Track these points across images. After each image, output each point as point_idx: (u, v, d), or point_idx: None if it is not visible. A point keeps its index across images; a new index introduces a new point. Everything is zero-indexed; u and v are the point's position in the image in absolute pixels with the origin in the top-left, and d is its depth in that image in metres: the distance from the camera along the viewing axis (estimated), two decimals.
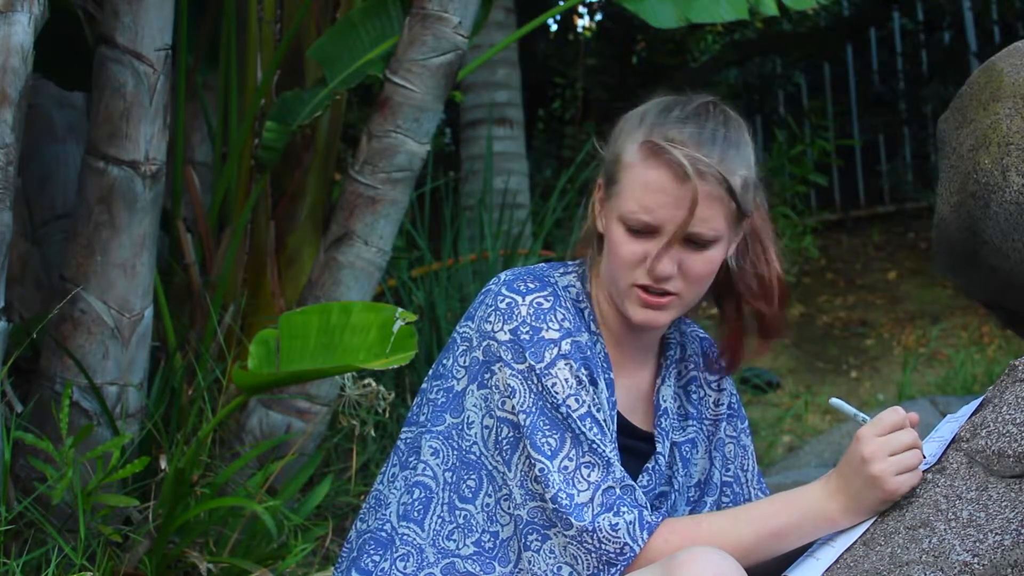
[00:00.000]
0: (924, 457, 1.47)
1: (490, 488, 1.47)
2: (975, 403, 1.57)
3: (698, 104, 1.51)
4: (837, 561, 1.47)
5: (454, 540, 1.48)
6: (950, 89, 7.06)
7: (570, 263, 1.60)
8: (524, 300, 1.49)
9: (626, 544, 1.40)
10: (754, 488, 1.70)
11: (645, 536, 1.40)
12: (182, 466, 2.36)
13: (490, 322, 1.49)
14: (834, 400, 1.56)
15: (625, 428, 1.56)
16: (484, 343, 1.49)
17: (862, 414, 1.51)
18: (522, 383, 1.46)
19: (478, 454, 1.48)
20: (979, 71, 2.17)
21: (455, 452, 1.50)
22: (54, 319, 2.48)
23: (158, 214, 2.59)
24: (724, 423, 1.67)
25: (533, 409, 1.45)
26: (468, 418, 1.49)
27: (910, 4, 8.27)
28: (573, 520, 1.41)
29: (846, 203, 8.06)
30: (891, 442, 1.41)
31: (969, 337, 5.87)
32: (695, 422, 1.65)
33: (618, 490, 1.42)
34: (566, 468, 1.43)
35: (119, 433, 2.43)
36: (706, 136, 1.47)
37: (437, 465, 1.50)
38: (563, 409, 1.44)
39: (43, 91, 3.08)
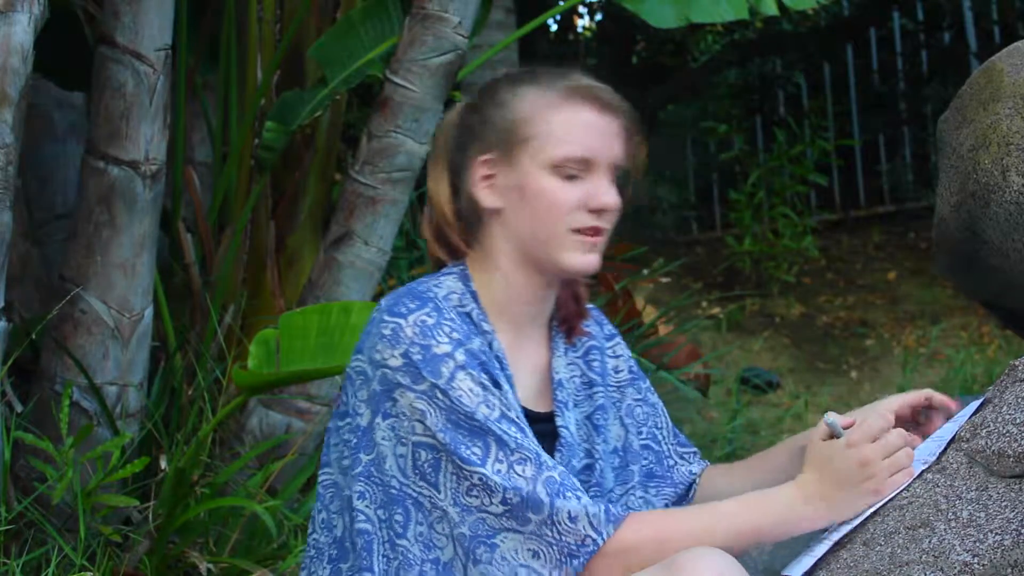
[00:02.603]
0: (915, 455, 1.47)
1: (419, 516, 1.44)
2: (975, 403, 1.57)
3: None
4: (837, 561, 1.47)
5: None
6: (950, 89, 7.06)
7: (445, 270, 1.57)
8: (407, 321, 1.45)
9: (588, 536, 1.38)
10: (672, 445, 1.70)
11: (611, 529, 1.38)
12: (182, 466, 2.36)
13: (379, 351, 1.45)
14: (830, 418, 1.53)
15: (529, 416, 1.53)
16: (378, 373, 1.45)
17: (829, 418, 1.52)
18: (428, 403, 1.42)
19: (398, 486, 1.44)
20: (979, 71, 2.17)
21: (379, 489, 1.46)
22: (54, 319, 2.48)
23: (158, 214, 2.59)
24: (628, 388, 1.68)
25: (448, 426, 1.42)
26: (381, 452, 1.45)
27: (910, 4, 8.26)
28: (532, 511, 1.38)
29: (846, 203, 8.05)
30: (886, 446, 1.42)
31: (969, 337, 5.87)
32: (601, 388, 1.64)
33: (557, 477, 1.41)
34: (500, 471, 1.40)
35: (119, 433, 2.43)
36: (608, 89, 1.57)
37: (367, 507, 1.46)
38: (478, 417, 1.42)
39: (43, 91, 3.08)
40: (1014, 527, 1.38)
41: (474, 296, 1.53)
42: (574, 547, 1.38)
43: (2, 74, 2.13)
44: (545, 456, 1.43)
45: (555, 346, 1.61)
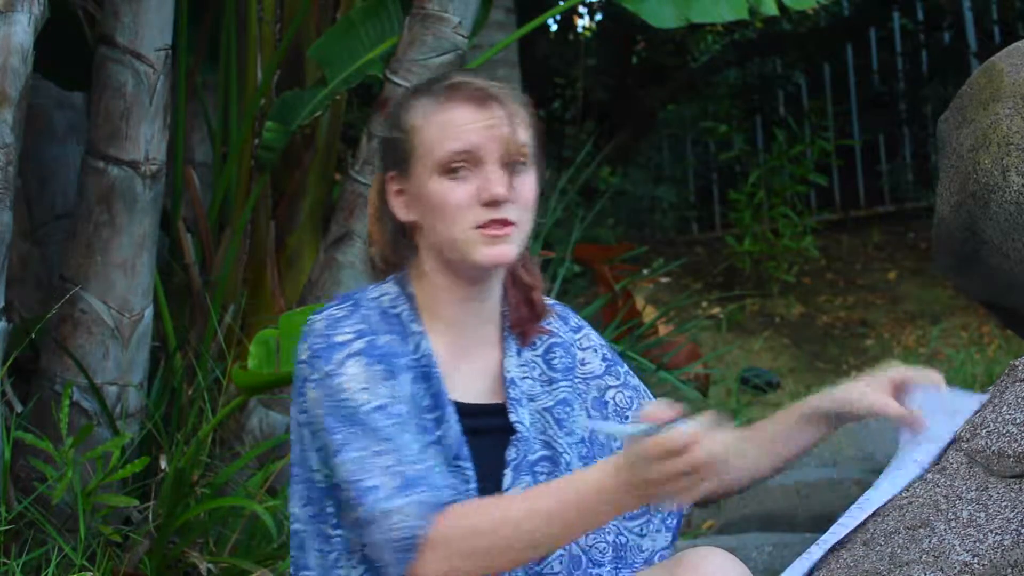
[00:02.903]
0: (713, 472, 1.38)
1: (347, 505, 1.45)
2: (969, 398, 1.57)
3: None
4: (837, 561, 1.48)
5: (341, 567, 1.46)
6: (950, 89, 7.05)
7: (387, 278, 1.59)
8: (321, 316, 1.50)
9: (409, 527, 1.37)
10: None
11: (433, 518, 1.37)
12: (182, 466, 2.36)
13: (298, 350, 1.50)
14: (592, 423, 1.53)
15: (478, 411, 1.53)
16: (296, 369, 1.50)
17: (629, 428, 1.44)
18: (318, 389, 1.45)
19: (322, 479, 1.47)
20: (979, 71, 2.17)
21: (306, 485, 1.49)
22: (54, 319, 2.48)
23: (158, 214, 2.59)
24: (604, 376, 1.64)
25: (328, 411, 1.44)
26: (303, 447, 1.49)
27: (910, 4, 8.26)
28: (364, 507, 1.38)
29: (846, 203, 8.05)
30: (676, 467, 1.31)
31: (969, 337, 5.87)
32: (565, 383, 1.61)
33: (409, 472, 1.39)
34: (358, 459, 1.40)
35: (119, 433, 2.43)
36: (486, 80, 1.56)
37: (296, 508, 1.50)
38: (351, 404, 1.43)
39: (43, 91, 3.08)
40: (1014, 527, 1.38)
41: (410, 298, 1.55)
42: (401, 541, 1.37)
43: (2, 74, 2.13)
44: (409, 452, 1.41)
45: (507, 347, 1.59)
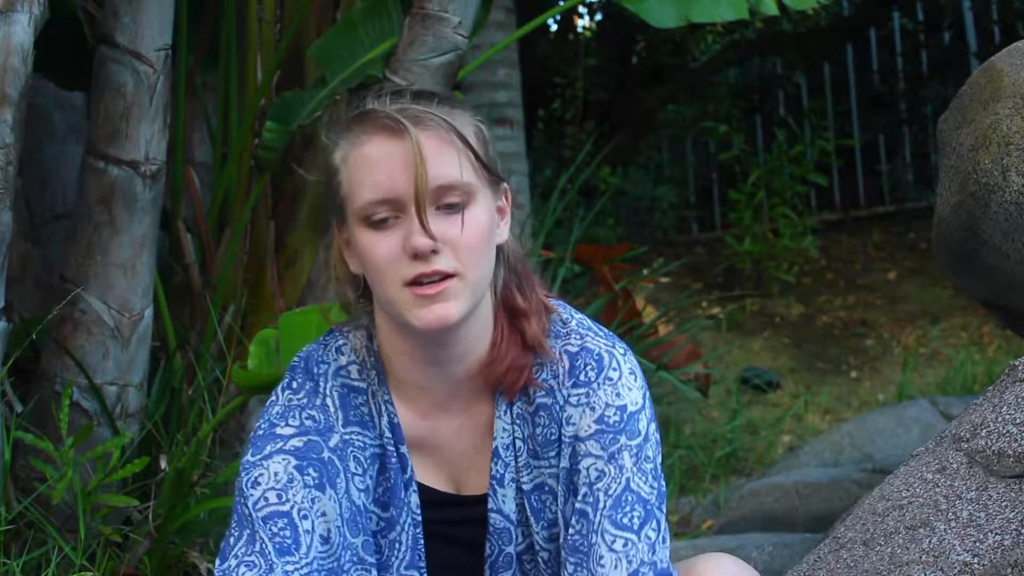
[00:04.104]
0: None
1: None
2: None
3: (393, 88, 1.37)
4: (837, 561, 1.48)
5: None
6: (950, 89, 7.06)
7: (357, 319, 1.43)
8: (280, 398, 1.38)
9: None
10: (605, 520, 1.31)
11: None
12: (182, 466, 2.36)
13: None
14: None
15: (450, 501, 1.40)
16: None
17: None
18: (239, 476, 1.36)
19: None
20: (979, 71, 2.17)
21: None
22: (54, 319, 2.48)
23: (158, 214, 2.59)
24: (585, 442, 1.35)
25: (235, 503, 1.35)
26: None
27: (910, 4, 8.26)
28: None
29: (846, 203, 8.06)
30: None
31: (969, 337, 5.87)
32: (544, 463, 1.39)
33: None
34: (228, 569, 1.29)
35: (119, 433, 2.43)
36: (410, 97, 1.32)
37: None
38: (251, 503, 1.32)
39: (43, 91, 3.08)
40: (1014, 527, 1.38)
41: (376, 357, 1.39)
42: None
43: (2, 74, 2.13)
44: (278, 564, 1.28)
45: (498, 402, 1.39)
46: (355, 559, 1.35)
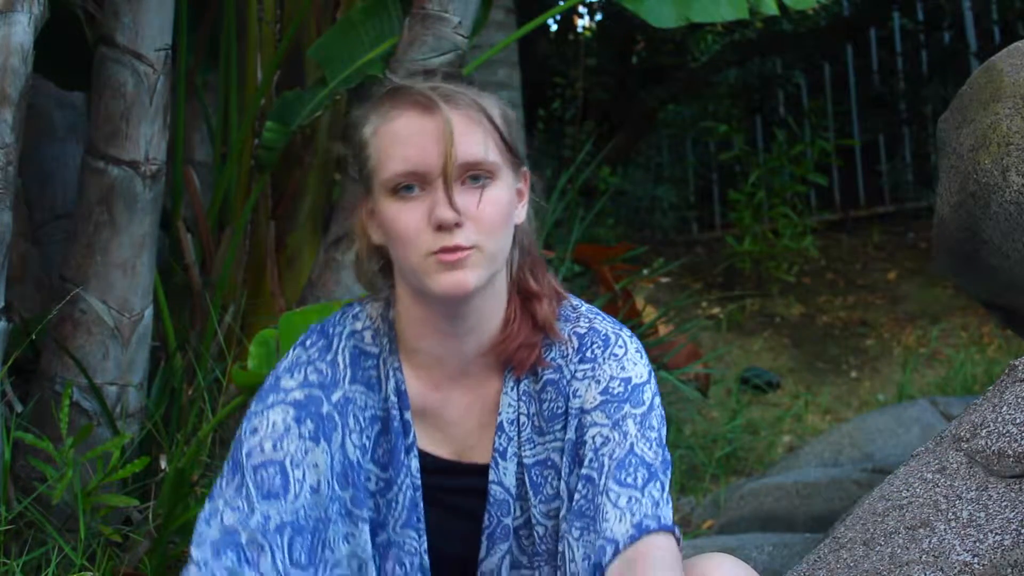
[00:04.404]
0: None
1: None
2: None
3: (424, 68, 1.44)
4: (837, 561, 1.47)
5: None
6: (950, 89, 7.06)
7: (374, 296, 1.49)
8: (291, 355, 1.44)
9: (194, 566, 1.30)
10: (609, 480, 1.36)
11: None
12: (182, 466, 2.36)
13: None
14: None
15: (453, 468, 1.44)
16: None
17: None
18: (243, 423, 1.42)
19: None
20: (979, 71, 2.17)
21: None
22: (54, 319, 2.48)
23: (158, 214, 2.59)
24: (591, 413, 1.40)
25: (232, 449, 1.40)
26: None
27: (910, 4, 8.26)
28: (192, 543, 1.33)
29: (846, 203, 8.05)
30: None
31: (969, 337, 5.87)
32: (551, 436, 1.44)
33: (241, 537, 1.31)
34: (215, 509, 1.35)
35: (119, 433, 2.43)
36: (441, 78, 1.39)
37: None
38: (245, 450, 1.38)
39: (43, 91, 3.08)
40: (1014, 527, 1.38)
41: (391, 326, 1.45)
42: None
43: (2, 74, 2.13)
44: (258, 519, 1.33)
45: (505, 381, 1.44)
46: (343, 511, 1.39)
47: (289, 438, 1.37)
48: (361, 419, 1.42)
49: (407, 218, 1.34)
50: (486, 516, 1.43)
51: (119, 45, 2.49)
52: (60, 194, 3.19)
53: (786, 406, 5.24)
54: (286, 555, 1.34)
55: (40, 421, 2.45)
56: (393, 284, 1.45)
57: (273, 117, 2.94)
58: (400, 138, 1.35)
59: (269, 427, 1.38)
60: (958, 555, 1.38)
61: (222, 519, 1.34)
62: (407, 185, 1.34)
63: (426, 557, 1.42)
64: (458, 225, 1.32)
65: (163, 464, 2.50)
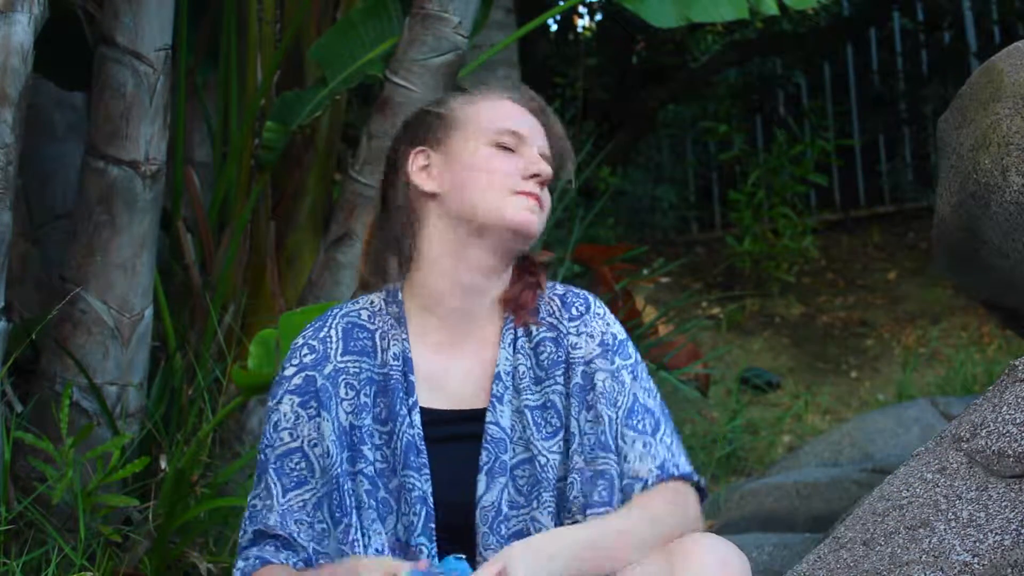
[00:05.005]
0: None
1: None
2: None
3: None
4: (837, 561, 1.47)
5: None
6: (950, 89, 7.06)
7: (380, 290, 1.65)
8: (293, 344, 1.59)
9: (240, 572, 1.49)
10: (622, 426, 1.54)
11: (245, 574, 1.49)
12: (182, 466, 2.36)
13: None
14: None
15: (454, 417, 1.56)
16: None
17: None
18: (265, 422, 1.57)
19: None
20: (979, 71, 2.17)
21: None
22: (54, 319, 2.48)
23: (158, 214, 2.59)
24: (594, 361, 1.58)
25: (259, 449, 1.56)
26: None
27: (910, 4, 8.26)
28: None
29: (846, 203, 8.05)
30: None
31: (969, 337, 5.87)
32: (550, 381, 1.58)
33: (266, 537, 1.50)
34: (254, 507, 1.53)
35: (119, 433, 2.43)
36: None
37: None
38: (269, 444, 1.54)
39: (43, 91, 3.08)
40: (1014, 527, 1.38)
41: (399, 305, 1.59)
42: None
43: (2, 74, 2.13)
44: (277, 511, 1.50)
45: (503, 338, 1.59)
46: (344, 471, 1.52)
47: (300, 423, 1.52)
48: (355, 384, 1.55)
49: (504, 163, 1.55)
50: (484, 453, 1.53)
51: (119, 45, 2.49)
52: (60, 194, 3.19)
53: (786, 406, 5.24)
54: (314, 530, 1.51)
55: (40, 421, 2.45)
56: (412, 259, 1.59)
57: (273, 117, 2.94)
58: (504, 107, 1.61)
59: (283, 419, 1.53)
60: (958, 555, 1.38)
61: (256, 514, 1.51)
62: (508, 142, 1.57)
63: (431, 499, 1.50)
64: (542, 184, 1.57)
65: (163, 464, 2.50)
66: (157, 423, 2.62)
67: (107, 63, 2.50)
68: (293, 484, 1.51)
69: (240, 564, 1.50)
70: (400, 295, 1.60)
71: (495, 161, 1.56)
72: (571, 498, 1.51)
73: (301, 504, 1.50)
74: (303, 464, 1.52)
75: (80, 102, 3.24)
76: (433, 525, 1.50)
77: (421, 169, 1.59)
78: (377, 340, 1.57)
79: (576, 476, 1.52)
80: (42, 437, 2.31)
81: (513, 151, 1.57)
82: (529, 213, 1.54)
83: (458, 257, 1.56)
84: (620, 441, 1.53)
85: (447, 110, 1.62)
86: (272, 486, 1.51)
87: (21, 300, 2.90)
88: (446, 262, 1.57)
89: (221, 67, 3.10)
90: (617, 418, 1.54)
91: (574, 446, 1.54)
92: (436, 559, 1.48)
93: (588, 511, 1.49)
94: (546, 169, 1.57)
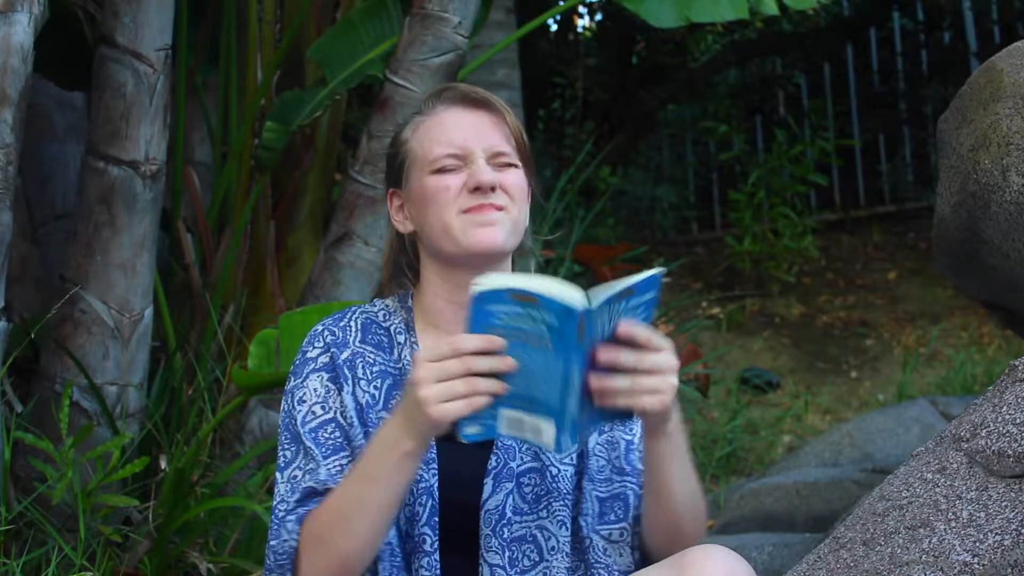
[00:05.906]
0: (476, 388, 1.33)
1: None
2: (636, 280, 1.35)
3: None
4: (837, 561, 1.47)
5: None
6: (950, 89, 7.06)
7: (394, 296, 1.68)
8: (316, 327, 1.61)
9: (284, 541, 1.47)
10: (636, 449, 1.61)
11: (298, 528, 1.47)
12: (182, 466, 2.36)
13: None
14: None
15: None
16: None
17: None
18: (285, 401, 1.58)
19: None
20: (979, 71, 2.17)
21: None
22: (54, 319, 2.48)
23: (158, 214, 2.59)
24: None
25: (284, 425, 1.56)
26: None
27: (910, 4, 8.26)
28: (272, 514, 1.50)
29: (846, 203, 8.06)
30: (441, 369, 1.34)
31: (969, 337, 5.87)
32: None
33: (316, 495, 1.48)
34: (295, 478, 1.52)
35: (119, 433, 2.43)
36: (472, 87, 1.65)
37: None
38: (299, 419, 1.54)
39: (43, 91, 3.08)
40: (1014, 527, 1.38)
41: (408, 311, 1.63)
42: (283, 557, 1.48)
43: (2, 74, 2.13)
44: (323, 469, 1.50)
45: None
46: (362, 446, 1.53)
47: (331, 396, 1.54)
48: (369, 372, 1.57)
49: (445, 185, 1.54)
50: (493, 458, 1.54)
51: (119, 45, 2.49)
52: (60, 194, 3.19)
53: (786, 406, 5.24)
54: None
55: (40, 421, 2.45)
56: (418, 273, 1.63)
57: (273, 117, 2.94)
58: (444, 125, 1.57)
59: (312, 394, 1.55)
60: (958, 555, 1.38)
61: (299, 483, 1.50)
62: (449, 165, 1.55)
63: (436, 492, 1.51)
64: (492, 189, 1.53)
65: (163, 464, 2.50)
66: (157, 423, 2.62)
67: (107, 63, 2.50)
68: (331, 451, 1.52)
69: (291, 519, 1.48)
70: (410, 301, 1.64)
71: (439, 189, 1.54)
72: (584, 513, 1.54)
73: (339, 468, 1.51)
74: (338, 433, 1.53)
75: (80, 102, 3.24)
76: (437, 519, 1.50)
77: (397, 210, 1.63)
78: (393, 336, 1.60)
79: (590, 498, 1.56)
80: (42, 437, 2.31)
81: (459, 167, 1.55)
82: (482, 228, 1.52)
83: (446, 280, 1.59)
84: (638, 464, 1.58)
85: (399, 145, 1.63)
86: (314, 451, 1.52)
87: (21, 300, 2.90)
88: (439, 284, 1.60)
89: (221, 67, 3.10)
90: (625, 445, 1.59)
91: (590, 468, 1.57)
92: (439, 552, 1.49)
93: (601, 528, 1.55)
94: (487, 177, 1.53)
